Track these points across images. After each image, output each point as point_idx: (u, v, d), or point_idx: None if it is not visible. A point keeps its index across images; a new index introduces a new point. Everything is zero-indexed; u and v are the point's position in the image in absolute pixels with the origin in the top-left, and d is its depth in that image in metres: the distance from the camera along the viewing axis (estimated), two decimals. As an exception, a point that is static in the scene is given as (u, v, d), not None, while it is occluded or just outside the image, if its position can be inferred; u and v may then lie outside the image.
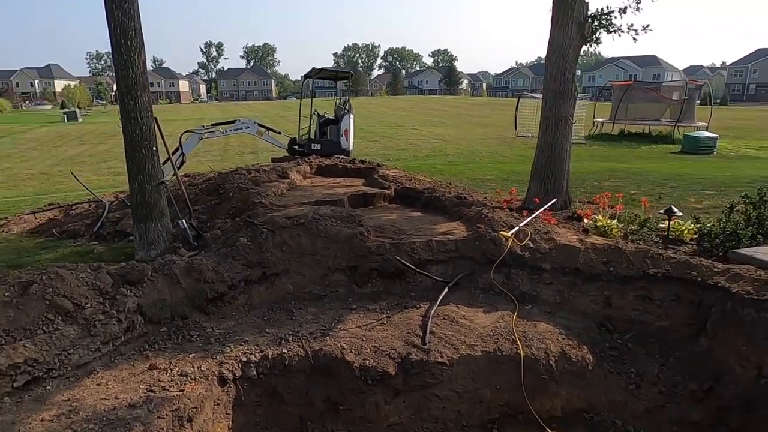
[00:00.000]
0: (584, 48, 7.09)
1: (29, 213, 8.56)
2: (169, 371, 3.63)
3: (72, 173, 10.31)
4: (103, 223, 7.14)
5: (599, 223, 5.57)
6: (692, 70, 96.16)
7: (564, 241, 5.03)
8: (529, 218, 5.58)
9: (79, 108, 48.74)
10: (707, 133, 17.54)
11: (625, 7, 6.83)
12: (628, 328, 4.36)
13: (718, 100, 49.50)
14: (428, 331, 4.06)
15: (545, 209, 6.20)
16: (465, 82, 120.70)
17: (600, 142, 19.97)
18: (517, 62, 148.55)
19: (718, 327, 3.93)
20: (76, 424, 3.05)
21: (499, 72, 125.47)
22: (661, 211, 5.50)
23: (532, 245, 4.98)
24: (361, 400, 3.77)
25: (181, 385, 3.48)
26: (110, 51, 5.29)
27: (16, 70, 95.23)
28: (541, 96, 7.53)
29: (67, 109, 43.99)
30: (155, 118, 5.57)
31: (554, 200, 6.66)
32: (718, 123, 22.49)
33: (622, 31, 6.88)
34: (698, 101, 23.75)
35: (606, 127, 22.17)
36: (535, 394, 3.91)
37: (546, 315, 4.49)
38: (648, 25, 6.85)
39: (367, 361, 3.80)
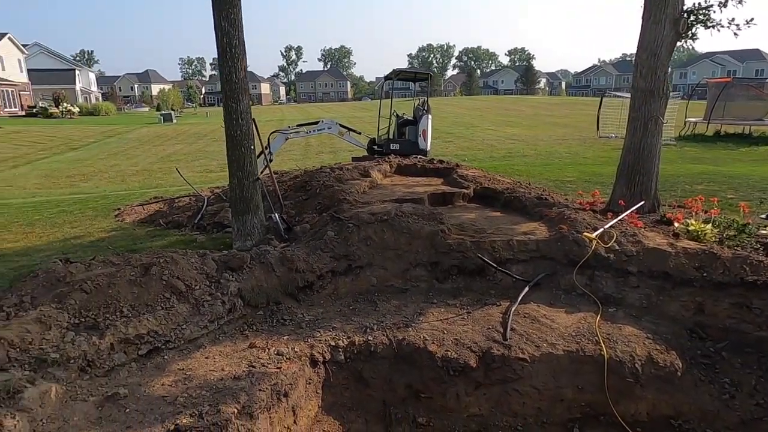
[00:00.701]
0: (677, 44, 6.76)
1: (138, 205, 9.52)
2: (267, 350, 3.97)
3: (177, 170, 11.34)
4: (203, 216, 7.81)
5: (691, 228, 5.33)
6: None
7: (652, 244, 4.89)
8: (615, 220, 5.46)
9: (173, 110, 52.70)
10: (820, 134, 15.91)
11: (726, 1, 6.45)
12: (722, 336, 4.18)
13: (834, 98, 44.33)
14: (509, 328, 4.13)
15: (632, 212, 6.01)
16: (543, 81, 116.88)
17: (692, 143, 18.71)
18: (599, 60, 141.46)
19: (827, 340, 3.69)
20: (191, 389, 3.45)
21: (579, 70, 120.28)
22: (763, 216, 5.17)
23: (617, 247, 4.89)
24: (443, 389, 3.92)
25: (277, 363, 3.80)
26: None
27: (119, 76, 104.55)
28: (626, 95, 7.28)
29: (163, 111, 47.71)
30: (253, 120, 6.05)
31: (642, 203, 6.43)
32: (833, 122, 20.25)
33: (722, 26, 6.48)
34: (810, 98, 21.51)
35: (699, 128, 20.71)
36: (619, 397, 3.87)
37: (631, 318, 4.41)
38: (752, 19, 6.41)
39: (449, 353, 3.94)
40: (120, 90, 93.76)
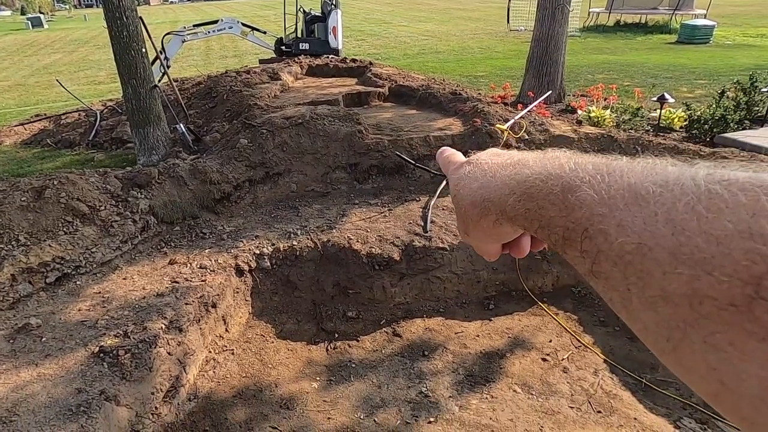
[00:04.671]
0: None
1: (17, 124, 8.41)
2: (189, 265, 3.88)
3: (58, 81, 9.93)
4: (98, 132, 7.08)
5: (592, 114, 5.66)
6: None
7: (558, 132, 5.16)
8: (524, 111, 5.64)
9: (42, 13, 45.40)
10: (704, 21, 17.00)
11: None
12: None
13: (719, -14, 47.04)
14: (429, 220, 4.30)
15: (540, 102, 6.24)
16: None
17: (595, 34, 19.33)
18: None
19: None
20: (112, 311, 3.34)
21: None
22: (654, 99, 5.58)
23: (527, 137, 5.11)
24: (369, 284, 4.10)
25: (201, 276, 3.74)
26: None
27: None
28: (537, -17, 7.22)
29: (30, 15, 41.00)
30: (140, 18, 5.34)
31: (549, 93, 6.67)
32: (717, 10, 21.70)
33: None
34: (699, -14, 22.64)
35: (601, 18, 21.31)
36: (529, 273, 4.26)
37: (539, 203, 4.74)
38: None
39: (373, 249, 4.07)
40: (-31, -10, 78.49)
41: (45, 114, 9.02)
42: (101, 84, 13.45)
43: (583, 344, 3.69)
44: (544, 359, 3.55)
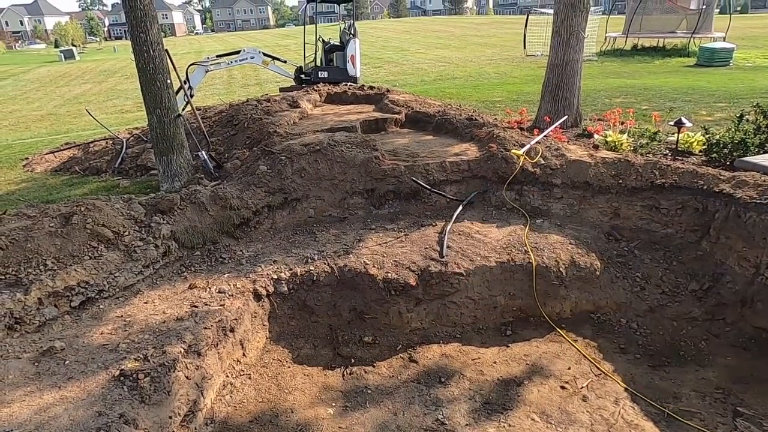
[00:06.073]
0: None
1: (48, 153, 8.75)
2: (208, 289, 3.94)
3: (88, 111, 10.34)
4: (124, 159, 7.33)
5: (609, 139, 5.65)
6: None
7: (574, 157, 5.16)
8: (540, 136, 5.66)
9: (74, 46, 47.46)
10: (723, 44, 16.89)
11: None
12: (635, 236, 4.59)
13: (738, 8, 46.96)
14: (445, 245, 4.32)
15: (556, 127, 6.25)
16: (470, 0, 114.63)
17: (612, 58, 19.35)
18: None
19: (721, 231, 4.14)
20: (133, 335, 3.40)
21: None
22: (671, 123, 5.55)
23: (543, 162, 5.12)
24: (385, 309, 4.10)
25: (220, 301, 3.79)
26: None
27: (4, 9, 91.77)
28: (551, 11, 7.32)
29: (63, 48, 42.88)
30: (166, 51, 5.57)
31: (565, 117, 6.69)
32: (736, 33, 21.58)
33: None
34: (717, 10, 22.63)
35: (618, 42, 21.35)
36: (546, 299, 4.22)
37: (556, 227, 4.72)
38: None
39: (390, 274, 4.09)
40: (7, 25, 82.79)
41: (74, 142, 9.37)
42: (128, 113, 13.92)
43: (603, 372, 3.62)
44: (562, 387, 3.49)
